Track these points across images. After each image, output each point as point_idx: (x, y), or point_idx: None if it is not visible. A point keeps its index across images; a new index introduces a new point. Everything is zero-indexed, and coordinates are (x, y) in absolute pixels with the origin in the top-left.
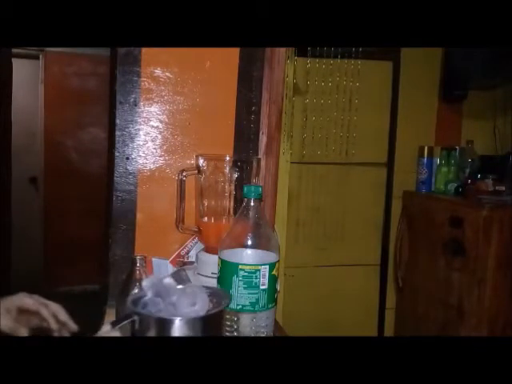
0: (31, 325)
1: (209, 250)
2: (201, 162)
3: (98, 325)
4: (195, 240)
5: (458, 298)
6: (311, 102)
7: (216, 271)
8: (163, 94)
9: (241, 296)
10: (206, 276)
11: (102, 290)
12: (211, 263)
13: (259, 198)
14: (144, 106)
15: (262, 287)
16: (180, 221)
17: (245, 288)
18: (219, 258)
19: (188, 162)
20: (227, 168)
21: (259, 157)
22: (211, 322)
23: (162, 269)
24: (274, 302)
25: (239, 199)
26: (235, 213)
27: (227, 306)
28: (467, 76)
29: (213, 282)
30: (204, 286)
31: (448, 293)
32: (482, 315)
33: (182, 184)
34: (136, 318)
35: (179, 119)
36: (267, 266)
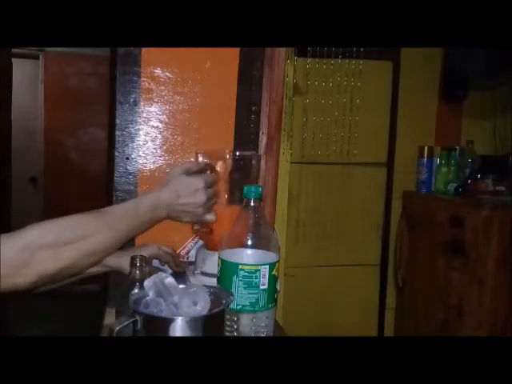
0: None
1: (211, 249)
2: (200, 160)
3: (98, 325)
4: (195, 240)
5: (458, 298)
6: (311, 101)
7: None
8: (163, 93)
9: (241, 296)
10: (213, 274)
11: (102, 290)
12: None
13: (259, 198)
14: (144, 106)
15: (262, 287)
16: None
17: (245, 288)
18: (219, 257)
19: None
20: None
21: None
22: (213, 321)
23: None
24: (274, 301)
25: (239, 199)
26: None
27: (229, 304)
28: (467, 76)
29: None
30: (205, 286)
31: (448, 293)
32: (482, 315)
33: None
34: (138, 317)
35: (179, 119)
36: (267, 266)
